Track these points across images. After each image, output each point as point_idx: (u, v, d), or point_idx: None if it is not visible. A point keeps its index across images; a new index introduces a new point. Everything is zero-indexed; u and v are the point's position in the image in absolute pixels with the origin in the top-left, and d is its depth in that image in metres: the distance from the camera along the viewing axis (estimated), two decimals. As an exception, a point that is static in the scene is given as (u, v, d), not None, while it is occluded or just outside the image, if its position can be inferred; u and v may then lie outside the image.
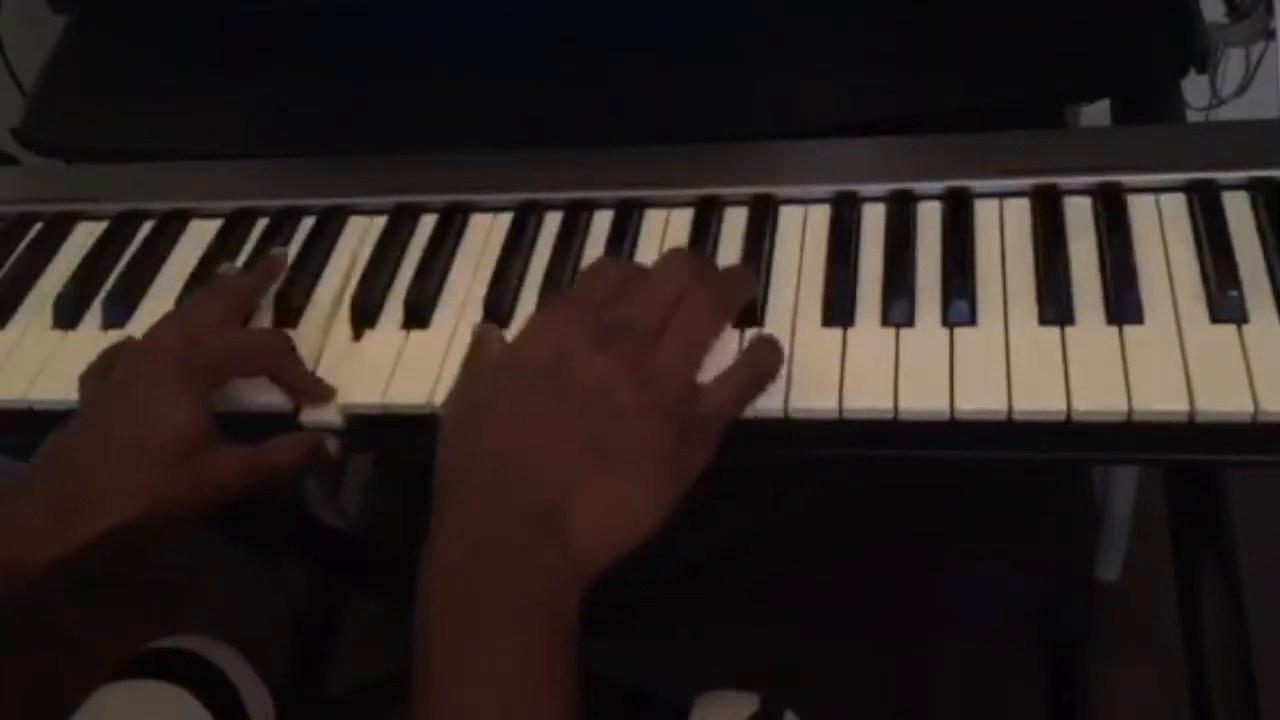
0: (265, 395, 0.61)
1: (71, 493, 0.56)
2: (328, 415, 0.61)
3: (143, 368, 0.59)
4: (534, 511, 0.48)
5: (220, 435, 0.59)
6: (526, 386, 0.51)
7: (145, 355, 0.60)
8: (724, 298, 0.56)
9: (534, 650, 0.46)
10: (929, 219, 0.63)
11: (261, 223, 0.72)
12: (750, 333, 0.59)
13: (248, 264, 0.69)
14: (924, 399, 0.55)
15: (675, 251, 0.58)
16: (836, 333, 0.59)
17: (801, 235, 0.64)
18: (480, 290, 0.64)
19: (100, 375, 0.61)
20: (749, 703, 0.67)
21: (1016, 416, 0.54)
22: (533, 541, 0.47)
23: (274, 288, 0.67)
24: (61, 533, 0.55)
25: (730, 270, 0.59)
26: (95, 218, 0.74)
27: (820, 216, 0.65)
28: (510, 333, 0.62)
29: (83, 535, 0.55)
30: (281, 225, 0.71)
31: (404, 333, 0.64)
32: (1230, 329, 0.55)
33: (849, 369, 0.57)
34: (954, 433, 0.55)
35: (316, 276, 0.68)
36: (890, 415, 0.55)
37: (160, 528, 0.57)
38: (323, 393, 0.61)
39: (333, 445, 0.61)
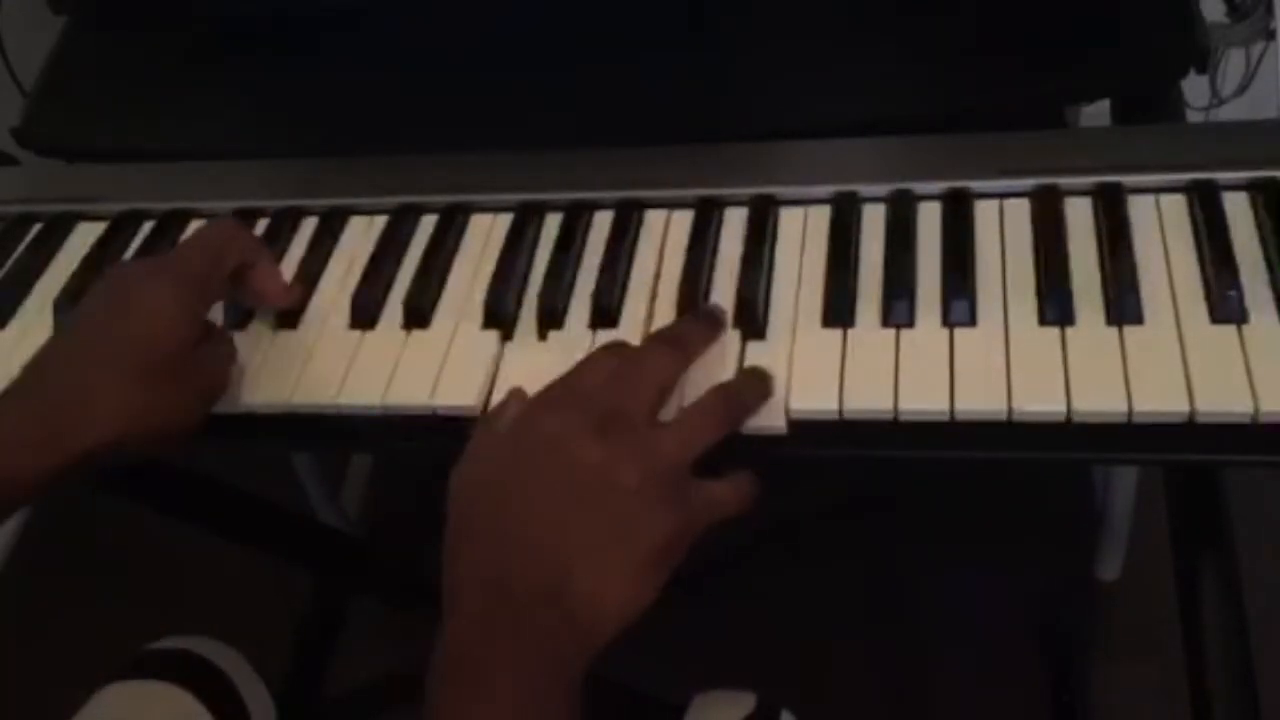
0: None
1: (61, 404, 0.56)
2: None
3: (132, 277, 0.60)
4: (539, 593, 0.49)
5: (209, 339, 0.60)
6: (529, 473, 0.52)
7: (136, 270, 0.62)
8: (733, 396, 0.56)
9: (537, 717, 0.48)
10: (929, 219, 0.63)
11: (261, 223, 0.72)
12: (751, 347, 0.59)
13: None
14: (924, 399, 0.55)
15: (660, 334, 0.59)
16: (836, 333, 0.59)
17: (801, 235, 0.64)
18: (480, 290, 0.64)
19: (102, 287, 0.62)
20: (745, 702, 0.67)
21: (1016, 416, 0.54)
22: (539, 624, 0.49)
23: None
24: (53, 442, 0.55)
25: (750, 372, 0.58)
26: (95, 218, 0.74)
27: (820, 216, 0.65)
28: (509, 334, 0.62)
29: (74, 446, 0.55)
30: (281, 225, 0.71)
31: (404, 333, 0.64)
32: (1230, 329, 0.55)
33: (849, 369, 0.57)
34: (954, 433, 0.55)
35: (316, 276, 0.68)
36: (890, 415, 0.55)
37: (153, 445, 0.58)
38: (288, 291, 0.65)
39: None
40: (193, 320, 0.59)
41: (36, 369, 0.58)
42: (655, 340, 0.58)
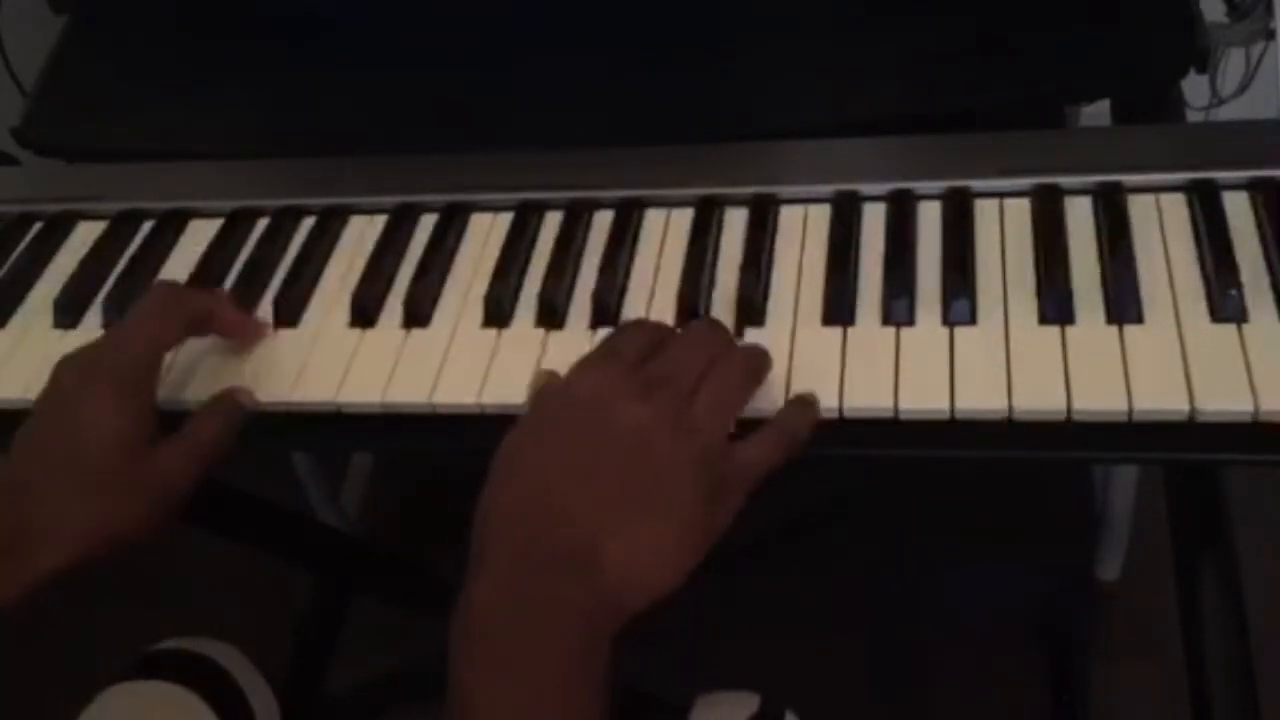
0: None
1: (18, 533, 0.54)
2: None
3: (71, 383, 0.58)
4: (566, 556, 0.48)
5: (157, 438, 0.58)
6: (564, 434, 0.52)
7: (74, 370, 0.58)
8: (751, 365, 0.56)
9: (564, 696, 0.46)
10: (929, 219, 0.63)
11: (261, 223, 0.72)
12: (751, 335, 0.59)
13: (247, 264, 0.69)
14: (924, 399, 0.55)
15: (705, 320, 0.60)
16: (836, 332, 0.59)
17: (801, 235, 0.64)
18: (480, 290, 0.64)
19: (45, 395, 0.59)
20: (749, 703, 0.67)
21: (1016, 416, 0.54)
22: (562, 587, 0.48)
23: (274, 288, 0.67)
24: (14, 575, 0.54)
25: (753, 347, 0.58)
26: (95, 218, 0.74)
27: (820, 216, 0.65)
28: (506, 331, 0.62)
29: (30, 574, 0.54)
30: (281, 225, 0.71)
31: (404, 332, 0.64)
32: (1230, 328, 0.55)
33: (849, 369, 0.57)
34: (954, 433, 0.55)
35: (317, 276, 0.68)
36: (890, 415, 0.55)
37: (118, 551, 0.56)
38: (256, 328, 0.63)
39: (245, 397, 0.61)
40: (135, 421, 0.57)
41: None
42: (700, 320, 0.59)
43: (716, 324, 0.58)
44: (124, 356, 0.58)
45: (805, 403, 0.56)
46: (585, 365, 0.54)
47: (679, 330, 0.57)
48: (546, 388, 0.55)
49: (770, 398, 0.56)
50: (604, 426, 0.51)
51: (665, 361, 0.54)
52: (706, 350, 0.55)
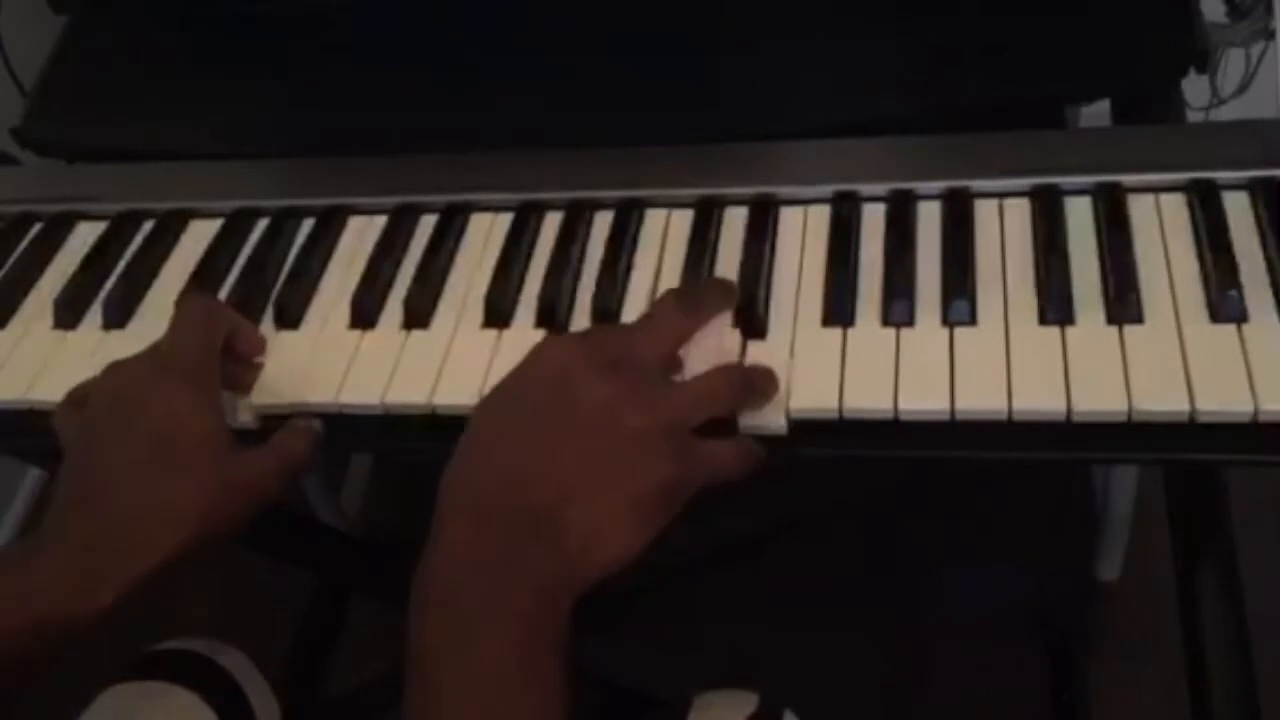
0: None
1: (115, 533, 0.54)
2: None
3: (144, 384, 0.58)
4: (527, 521, 0.49)
5: (238, 444, 0.58)
6: (528, 405, 0.52)
7: (141, 373, 0.58)
8: (754, 379, 0.56)
9: (521, 655, 0.47)
10: (929, 219, 0.63)
11: (261, 223, 0.72)
12: (751, 346, 0.59)
13: (247, 264, 0.69)
14: (924, 398, 0.55)
15: (675, 292, 0.59)
16: (836, 332, 0.59)
17: (801, 235, 0.64)
18: (480, 290, 0.64)
19: (77, 411, 0.59)
20: (748, 701, 0.67)
21: (1016, 416, 0.54)
22: (522, 549, 0.48)
23: (275, 290, 0.67)
24: (113, 576, 0.53)
25: (707, 283, 0.60)
26: (95, 218, 0.74)
27: (820, 216, 0.65)
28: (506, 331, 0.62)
29: (134, 574, 0.53)
30: (282, 225, 0.71)
31: (404, 333, 0.64)
32: (1230, 329, 0.55)
33: (849, 369, 0.57)
34: (954, 433, 0.55)
35: (316, 277, 0.68)
36: (890, 415, 0.55)
37: (204, 551, 0.56)
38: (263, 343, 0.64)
39: (317, 424, 0.61)
40: (218, 418, 0.57)
41: (73, 502, 0.55)
42: (669, 296, 0.58)
43: (682, 294, 0.59)
44: (190, 358, 0.59)
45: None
46: (551, 341, 0.55)
47: (656, 302, 0.58)
48: (516, 367, 0.56)
49: (771, 402, 0.56)
50: (566, 399, 0.51)
51: (629, 338, 0.55)
52: (671, 323, 0.56)
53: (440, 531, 0.50)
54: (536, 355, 0.54)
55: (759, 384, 0.56)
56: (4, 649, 0.52)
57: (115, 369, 0.59)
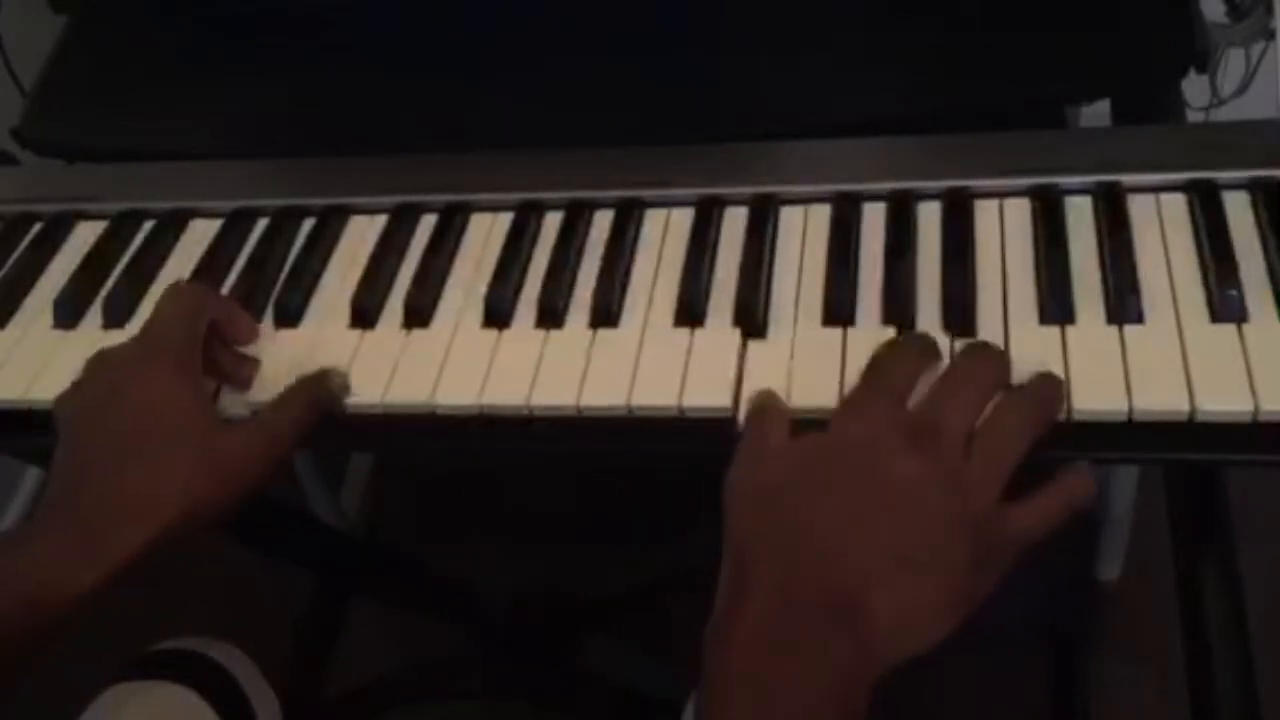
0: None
1: (100, 510, 0.55)
2: None
3: (128, 367, 0.58)
4: (833, 602, 0.47)
5: (225, 423, 0.58)
6: (835, 479, 0.50)
7: (125, 357, 0.59)
8: (1036, 409, 0.53)
9: None
10: (929, 219, 0.63)
11: (261, 223, 0.72)
12: (751, 346, 0.58)
13: (247, 264, 0.69)
14: (924, 399, 0.55)
15: (983, 348, 0.55)
16: (836, 332, 0.59)
17: (802, 235, 0.64)
18: (480, 290, 0.64)
19: (77, 393, 0.60)
20: None
21: (1016, 416, 0.54)
22: (829, 632, 0.47)
23: (275, 290, 0.67)
24: (99, 553, 0.54)
25: (1043, 378, 0.54)
26: (95, 218, 0.74)
27: (820, 216, 0.65)
28: (506, 331, 0.62)
29: (120, 553, 0.54)
30: (281, 225, 0.71)
31: (404, 333, 0.64)
32: (1230, 329, 0.55)
33: (849, 369, 0.57)
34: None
35: (317, 276, 0.68)
36: (890, 415, 0.55)
37: (192, 534, 0.56)
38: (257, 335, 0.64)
39: (336, 380, 0.60)
40: (200, 396, 0.58)
41: (63, 483, 0.56)
42: (982, 359, 0.54)
43: (991, 351, 0.54)
44: (171, 339, 0.59)
45: (1083, 476, 0.52)
46: (854, 405, 0.53)
47: (949, 357, 0.55)
48: (781, 412, 0.54)
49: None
50: (875, 475, 0.49)
51: (941, 404, 0.52)
52: (981, 389, 0.52)
53: (742, 597, 0.48)
54: (844, 421, 0.52)
55: (1043, 413, 0.52)
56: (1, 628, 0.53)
57: (102, 354, 0.60)
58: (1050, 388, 0.53)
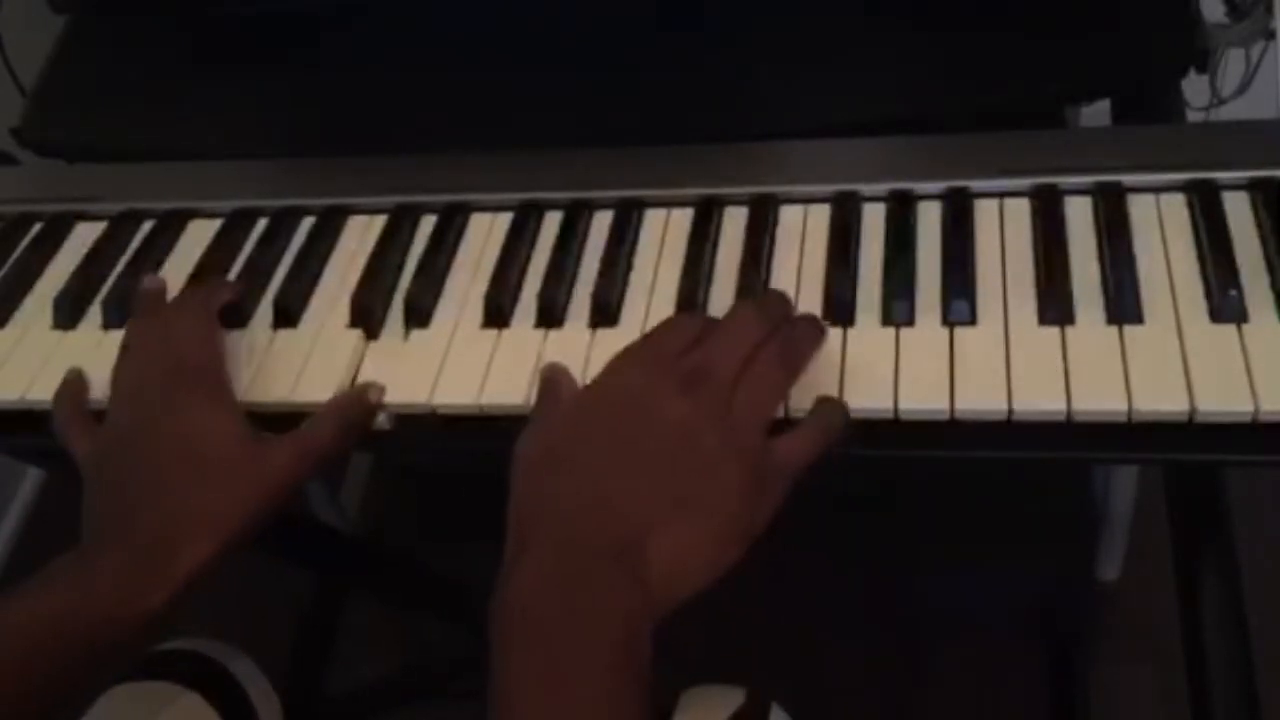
0: None
1: (165, 528, 0.55)
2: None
3: (160, 403, 0.58)
4: (610, 549, 0.48)
5: (265, 437, 0.58)
6: (607, 427, 0.52)
7: (156, 382, 0.59)
8: (793, 349, 0.56)
9: (608, 686, 0.46)
10: (929, 219, 0.63)
11: (261, 223, 0.72)
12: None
13: (247, 264, 0.69)
14: (924, 398, 0.55)
15: (748, 302, 0.58)
16: (836, 332, 0.59)
17: (801, 235, 0.64)
18: (480, 290, 0.64)
19: (109, 430, 0.59)
20: (735, 697, 0.67)
21: (1017, 416, 0.54)
22: (608, 578, 0.48)
23: (274, 289, 0.67)
24: (168, 570, 0.54)
25: (801, 320, 0.58)
26: (95, 218, 0.74)
27: (820, 216, 0.65)
28: (506, 331, 0.62)
29: (189, 569, 0.54)
30: (281, 225, 0.71)
31: (404, 332, 0.64)
32: (1230, 329, 0.55)
33: (849, 369, 0.57)
34: (954, 433, 0.55)
35: (316, 277, 0.68)
36: (890, 415, 0.55)
37: (242, 548, 0.57)
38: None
39: (374, 393, 0.60)
40: (238, 414, 0.58)
41: (112, 504, 0.56)
42: (749, 306, 0.57)
43: (763, 305, 0.57)
44: (199, 362, 0.59)
45: (835, 401, 0.55)
46: (626, 357, 0.54)
47: (723, 317, 0.56)
48: (569, 380, 0.56)
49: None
50: (648, 420, 0.51)
51: (706, 352, 0.53)
52: (748, 337, 0.54)
53: (524, 551, 0.49)
54: (616, 373, 0.53)
55: (799, 353, 0.55)
56: (62, 661, 0.53)
57: (132, 373, 0.60)
58: (807, 328, 0.56)
